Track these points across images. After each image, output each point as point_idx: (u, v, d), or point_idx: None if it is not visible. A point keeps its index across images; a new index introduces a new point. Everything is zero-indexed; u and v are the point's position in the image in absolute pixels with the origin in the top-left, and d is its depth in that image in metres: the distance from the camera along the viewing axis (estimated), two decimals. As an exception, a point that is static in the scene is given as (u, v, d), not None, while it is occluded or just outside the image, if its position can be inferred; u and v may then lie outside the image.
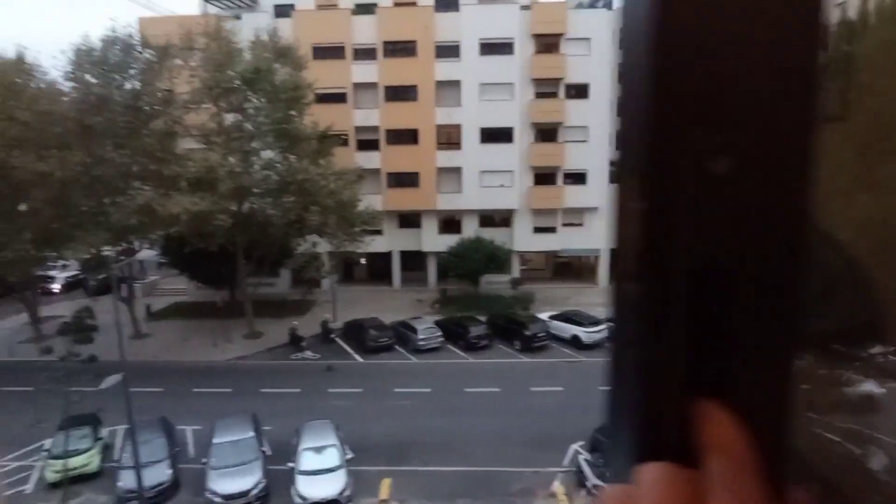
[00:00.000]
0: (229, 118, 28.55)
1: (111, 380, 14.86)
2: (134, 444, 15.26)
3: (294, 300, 36.89)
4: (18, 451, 19.87)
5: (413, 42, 36.43)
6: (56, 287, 41.93)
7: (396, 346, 28.93)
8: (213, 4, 38.40)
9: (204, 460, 17.65)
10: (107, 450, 19.70)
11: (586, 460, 17.86)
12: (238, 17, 35.61)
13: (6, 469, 19.07)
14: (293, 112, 28.90)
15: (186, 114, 28.65)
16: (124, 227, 26.84)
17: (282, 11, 36.81)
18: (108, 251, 28.47)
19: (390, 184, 37.86)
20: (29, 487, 18.28)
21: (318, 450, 17.56)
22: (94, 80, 26.61)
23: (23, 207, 27.63)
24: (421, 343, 28.36)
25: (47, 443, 18.91)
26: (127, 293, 30.12)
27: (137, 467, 14.99)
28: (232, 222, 27.51)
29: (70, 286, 41.76)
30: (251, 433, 18.48)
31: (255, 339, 30.56)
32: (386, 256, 39.65)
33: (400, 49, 36.69)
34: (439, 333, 29.06)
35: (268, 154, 29.62)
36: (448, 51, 36.70)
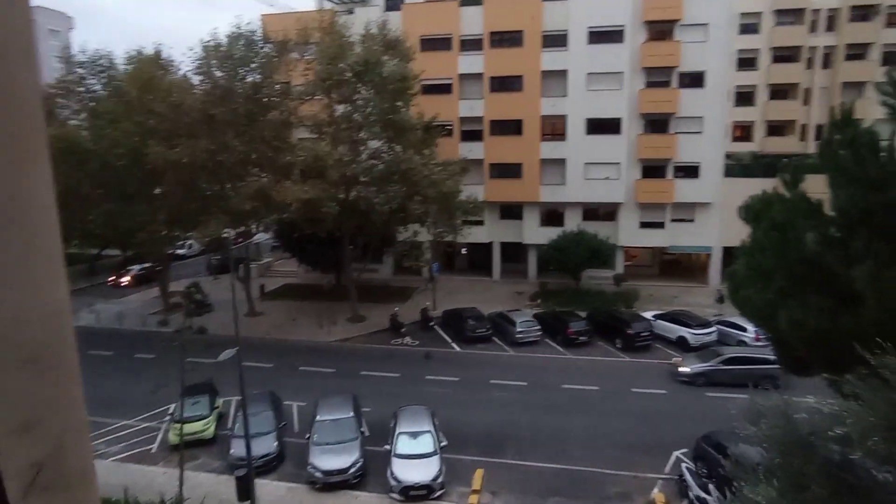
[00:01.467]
0: (339, 109, 29.69)
1: (227, 353, 15.71)
2: (245, 416, 15.98)
3: (396, 286, 37.98)
4: (147, 413, 21.84)
5: (520, 32, 35.82)
6: (125, 279, 40.88)
7: (494, 338, 28.67)
8: (329, 0, 40.21)
9: (307, 436, 18.38)
10: (221, 418, 21.09)
11: (689, 469, 16.58)
12: (351, 12, 37.05)
13: (138, 428, 21.01)
14: (399, 103, 29.47)
15: (300, 105, 30.19)
16: (242, 211, 28.68)
17: (392, 5, 37.73)
18: (227, 233, 30.82)
19: (493, 174, 37.58)
20: (154, 447, 19.94)
21: (414, 434, 17.69)
22: (219, 74, 28.66)
23: (157, 191, 30.52)
24: (519, 336, 27.88)
25: (171, 407, 20.48)
26: (243, 273, 32.62)
27: (247, 437, 15.66)
28: (339, 209, 28.67)
29: (140, 280, 40.61)
30: (351, 413, 18.99)
31: (358, 323, 31.74)
32: (486, 247, 39.50)
33: (506, 39, 36.20)
34: (538, 327, 28.41)
35: (374, 144, 30.50)
36: (555, 40, 35.64)
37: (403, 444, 17.43)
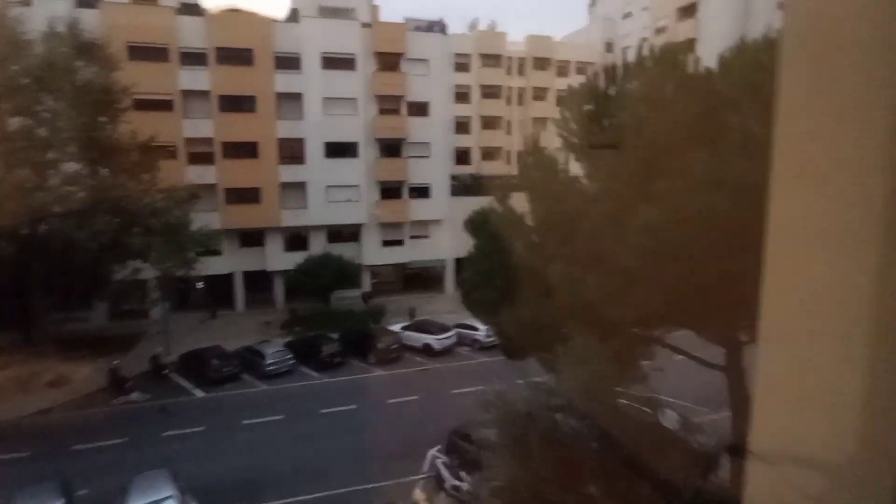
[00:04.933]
0: (14, 122, 23.89)
1: None
2: None
3: (114, 335, 31.94)
4: None
5: (249, 50, 34.42)
6: None
7: (243, 375, 26.56)
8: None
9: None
10: None
11: (443, 463, 17.94)
12: (27, 4, 30.22)
13: None
14: (104, 118, 25.30)
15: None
16: None
17: (86, 2, 32.06)
18: None
19: (229, 200, 34.99)
20: None
21: (152, 505, 15.09)
22: None
23: None
24: (270, 368, 26.36)
25: None
26: None
27: None
28: (19, 249, 22.88)
29: None
30: (60, 502, 15.25)
31: (62, 387, 25.56)
32: (227, 278, 36.41)
33: (234, 57, 34.37)
34: (290, 355, 27.33)
35: (72, 167, 25.38)
36: (288, 62, 35.35)
37: (138, 520, 14.66)
